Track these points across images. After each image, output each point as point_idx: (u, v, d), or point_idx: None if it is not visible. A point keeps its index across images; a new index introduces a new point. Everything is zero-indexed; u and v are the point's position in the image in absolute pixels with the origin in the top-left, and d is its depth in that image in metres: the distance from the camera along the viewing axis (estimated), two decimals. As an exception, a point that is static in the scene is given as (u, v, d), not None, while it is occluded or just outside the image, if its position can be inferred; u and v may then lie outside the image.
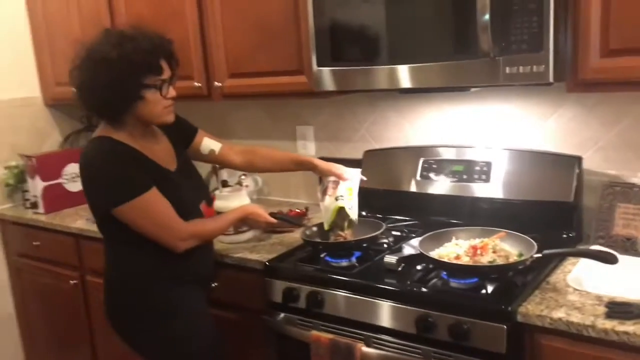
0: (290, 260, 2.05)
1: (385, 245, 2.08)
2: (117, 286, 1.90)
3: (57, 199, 2.96)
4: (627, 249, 1.87)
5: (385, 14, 1.91)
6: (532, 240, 1.76)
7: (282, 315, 1.98)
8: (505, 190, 2.10)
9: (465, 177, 2.18)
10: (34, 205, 2.99)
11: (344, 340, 1.79)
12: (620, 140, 1.99)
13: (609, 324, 1.44)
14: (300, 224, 2.18)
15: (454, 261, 1.71)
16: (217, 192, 2.32)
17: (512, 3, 1.67)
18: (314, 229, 2.12)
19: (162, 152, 1.91)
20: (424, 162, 2.29)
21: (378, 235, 2.02)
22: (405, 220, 2.29)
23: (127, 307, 1.90)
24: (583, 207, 2.04)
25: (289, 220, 2.22)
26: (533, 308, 1.56)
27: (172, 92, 1.82)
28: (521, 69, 1.71)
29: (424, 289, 1.73)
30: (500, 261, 1.70)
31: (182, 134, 2.06)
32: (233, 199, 2.27)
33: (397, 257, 1.87)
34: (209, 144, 2.11)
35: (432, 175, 2.26)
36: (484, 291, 1.66)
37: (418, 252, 1.79)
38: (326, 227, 2.05)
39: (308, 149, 2.73)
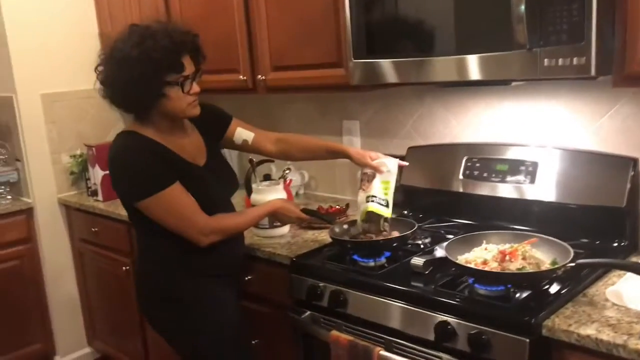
0: (318, 258, 2.00)
1: (420, 246, 2.00)
2: (144, 275, 1.94)
3: (115, 187, 3.07)
4: (683, 262, 1.68)
5: (421, 6, 1.83)
6: (568, 246, 1.62)
7: (307, 313, 1.95)
8: (552, 193, 1.95)
9: (509, 177, 2.05)
10: (94, 193, 3.12)
11: (363, 342, 1.73)
12: (683, 141, 1.80)
13: (642, 345, 1.30)
14: (332, 222, 2.13)
15: (480, 267, 1.60)
16: (254, 186, 2.32)
17: (551, -11, 1.54)
18: (345, 226, 2.06)
19: (190, 146, 1.92)
20: (467, 161, 2.17)
21: (408, 235, 1.94)
22: (446, 221, 2.18)
23: (153, 295, 1.93)
24: (638, 214, 1.86)
25: (321, 217, 2.17)
26: (561, 322, 1.44)
27: (195, 88, 1.82)
28: (560, 61, 1.57)
29: (445, 295, 1.63)
30: (530, 269, 1.57)
31: (216, 124, 2.07)
32: (269, 193, 2.26)
33: (424, 260, 1.78)
34: (241, 133, 2.10)
35: (475, 174, 2.14)
36: (510, 300, 1.54)
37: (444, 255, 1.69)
38: (358, 225, 1.99)
39: (354, 144, 2.67)
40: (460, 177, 2.17)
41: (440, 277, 1.72)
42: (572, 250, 1.60)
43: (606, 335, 1.36)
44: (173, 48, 1.72)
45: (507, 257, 1.60)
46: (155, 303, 1.94)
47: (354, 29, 2.02)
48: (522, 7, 1.56)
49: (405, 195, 2.37)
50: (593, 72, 1.52)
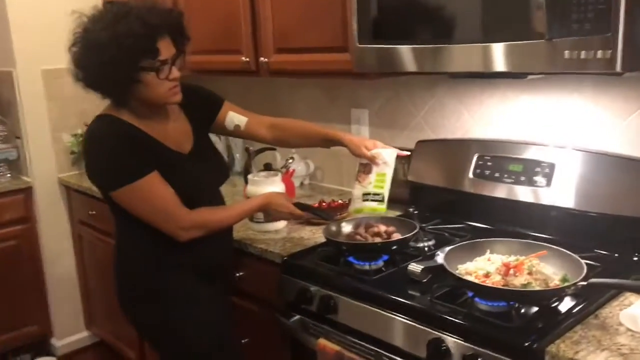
0: (311, 258, 1.86)
1: (423, 250, 1.85)
2: (122, 270, 1.83)
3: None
4: None
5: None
6: (581, 261, 1.46)
7: (296, 317, 1.81)
8: (570, 198, 1.77)
9: (523, 178, 1.87)
10: (93, 175, 3.02)
11: (350, 354, 1.60)
12: None
13: (656, 382, 1.14)
14: (330, 219, 1.98)
15: (480, 280, 1.44)
16: (249, 176, 2.18)
17: (575, -28, 1.36)
18: (343, 224, 1.92)
19: (174, 132, 1.79)
20: (478, 158, 2.00)
21: (409, 238, 1.78)
22: (452, 222, 2.02)
23: (129, 289, 1.83)
24: (664, 226, 1.68)
25: (317, 213, 2.02)
26: (567, 348, 1.28)
27: (174, 73, 1.67)
28: (583, 54, 1.39)
29: (441, 308, 1.48)
30: (536, 285, 1.41)
31: (205, 108, 1.94)
32: (265, 185, 2.12)
33: (422, 267, 1.63)
34: (233, 118, 1.96)
35: (486, 173, 1.97)
36: (512, 319, 1.39)
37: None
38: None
39: (362, 135, 2.51)
40: (471, 175, 2.00)
41: (438, 287, 1.56)
42: (585, 267, 1.43)
43: (617, 367, 1.20)
44: (147, 32, 1.57)
45: (512, 271, 1.44)
46: (134, 300, 1.83)
47: (359, 11, 1.85)
48: (542, -9, 1.38)
49: (412, 192, 2.22)
50: (619, 67, 1.34)
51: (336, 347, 1.63)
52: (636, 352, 1.25)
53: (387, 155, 1.84)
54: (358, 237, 1.81)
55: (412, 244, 1.86)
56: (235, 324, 2.10)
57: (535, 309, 1.43)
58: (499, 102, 2.04)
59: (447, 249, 1.63)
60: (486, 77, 1.92)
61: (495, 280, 1.44)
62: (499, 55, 1.54)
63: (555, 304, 1.46)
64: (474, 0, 1.58)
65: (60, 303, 3.33)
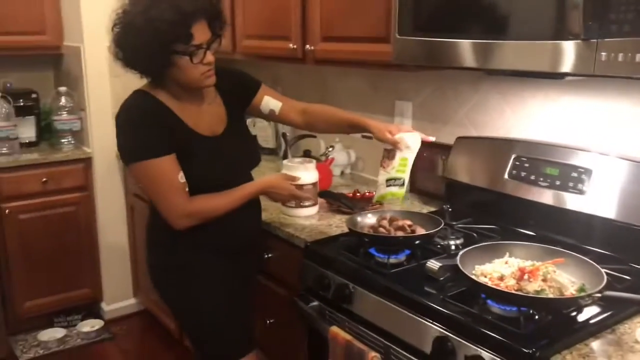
0: (334, 246, 1.87)
1: (449, 247, 1.82)
2: (150, 242, 1.91)
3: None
4: None
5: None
6: (602, 272, 1.40)
7: (315, 302, 1.83)
8: (606, 208, 1.69)
9: (558, 183, 1.81)
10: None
11: (359, 345, 1.60)
12: None
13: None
14: (356, 209, 1.98)
15: (494, 282, 1.41)
16: (284, 162, 2.21)
17: (615, -30, 1.29)
18: (369, 216, 1.91)
19: (208, 114, 1.83)
20: (515, 159, 1.94)
21: (432, 234, 1.76)
22: (484, 222, 1.97)
23: (155, 260, 1.92)
24: None
25: (344, 203, 2.03)
26: (572, 360, 1.24)
27: (208, 58, 1.69)
28: (621, 56, 1.32)
29: (451, 307, 1.46)
30: (549, 293, 1.37)
31: (242, 92, 1.97)
32: (299, 171, 2.14)
33: (440, 264, 1.61)
34: (269, 102, 1.99)
35: (522, 175, 1.91)
36: (520, 326, 1.35)
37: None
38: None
39: (405, 127, 2.49)
40: (506, 176, 1.95)
41: (453, 287, 1.54)
42: (605, 278, 1.37)
43: (620, 386, 1.15)
44: (179, 18, 1.60)
45: (526, 276, 1.40)
46: (157, 270, 1.91)
47: (401, 2, 1.84)
48: (579, -12, 1.33)
49: (447, 189, 2.19)
50: (656, 72, 1.27)
51: (347, 337, 1.64)
52: (645, 372, 1.20)
53: (410, 139, 1.82)
54: (381, 229, 1.80)
55: (439, 241, 1.84)
56: (260, 304, 2.16)
57: (548, 317, 1.38)
58: (542, 102, 1.97)
59: (467, 248, 1.60)
60: (521, 75, 1.86)
61: (509, 284, 1.41)
62: (533, 53, 1.49)
63: (573, 313, 1.41)
64: (511, -5, 1.54)
65: (111, 270, 3.50)
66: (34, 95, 3.42)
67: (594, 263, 1.45)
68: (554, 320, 1.38)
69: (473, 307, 1.45)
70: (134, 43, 1.62)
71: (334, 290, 1.74)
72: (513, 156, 1.95)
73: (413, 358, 1.50)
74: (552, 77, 1.70)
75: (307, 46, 2.35)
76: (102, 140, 3.31)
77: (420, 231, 1.80)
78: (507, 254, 1.54)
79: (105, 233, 3.43)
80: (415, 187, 2.42)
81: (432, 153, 2.31)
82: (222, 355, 1.92)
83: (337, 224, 2.08)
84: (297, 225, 2.08)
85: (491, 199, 2.01)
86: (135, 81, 1.81)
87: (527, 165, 1.91)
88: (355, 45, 2.15)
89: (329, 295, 1.77)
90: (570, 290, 1.38)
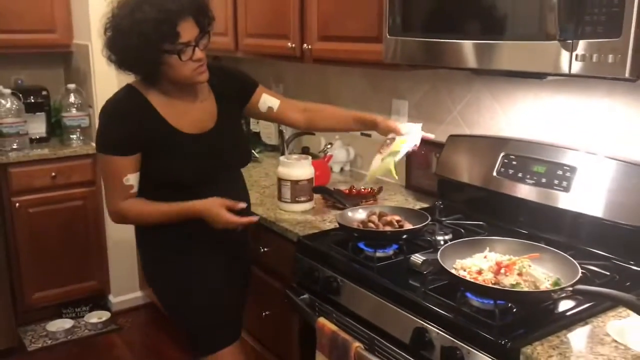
0: (325, 240, 1.93)
1: (437, 242, 1.87)
2: (142, 230, 1.97)
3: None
4: None
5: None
6: (577, 266, 1.44)
7: (305, 295, 1.89)
8: (590, 205, 1.73)
9: (544, 180, 1.85)
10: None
11: (344, 335, 1.66)
12: None
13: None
14: (348, 205, 2.04)
15: (472, 276, 1.46)
16: (281, 158, 2.26)
17: (589, -27, 1.33)
18: (359, 211, 1.96)
19: (197, 111, 1.87)
20: (504, 157, 1.98)
21: (418, 229, 1.81)
22: (472, 218, 2.02)
23: (144, 249, 1.99)
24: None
25: (337, 198, 2.09)
26: (543, 351, 1.28)
27: (197, 54, 1.72)
28: (595, 57, 1.37)
29: (430, 300, 1.51)
30: (524, 286, 1.41)
31: (239, 90, 2.00)
32: (295, 167, 2.20)
33: (424, 259, 1.66)
34: (266, 100, 2.02)
35: (510, 172, 1.95)
36: (495, 318, 1.39)
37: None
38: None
39: (401, 126, 2.54)
40: (494, 174, 1.99)
41: (435, 280, 1.59)
42: (580, 272, 1.42)
43: (587, 376, 1.20)
44: (165, 17, 1.63)
45: (503, 270, 1.44)
46: (145, 260, 1.99)
47: (391, 4, 1.88)
48: (555, -9, 1.37)
49: (439, 186, 2.23)
50: (627, 73, 1.31)
51: (333, 327, 1.70)
52: (613, 363, 1.24)
53: (412, 128, 1.86)
54: (370, 224, 1.85)
55: (428, 236, 1.89)
56: (256, 296, 2.22)
57: (524, 310, 1.43)
58: (532, 102, 2.01)
59: (449, 243, 1.65)
60: (506, 75, 1.90)
61: (487, 278, 1.45)
62: (511, 53, 1.54)
63: (550, 307, 1.45)
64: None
65: (118, 263, 3.58)
66: (44, 92, 3.51)
67: (571, 258, 1.49)
68: (529, 313, 1.42)
69: (453, 300, 1.50)
70: (123, 45, 1.67)
71: (322, 283, 1.80)
72: (502, 154, 1.99)
73: (394, 349, 1.56)
74: (534, 76, 1.74)
75: (305, 45, 2.41)
76: (110, 136, 3.38)
77: (408, 226, 1.85)
78: (487, 248, 1.59)
79: (112, 227, 3.51)
80: (411, 184, 2.46)
81: (427, 151, 2.35)
82: (207, 343, 1.96)
83: (330, 219, 2.14)
84: (292, 220, 2.14)
85: (481, 195, 2.05)
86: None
87: (515, 163, 1.95)
88: (351, 44, 2.20)
89: (318, 288, 1.83)
90: (545, 284, 1.42)
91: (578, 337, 1.35)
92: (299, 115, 2.07)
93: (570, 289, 1.36)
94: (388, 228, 1.83)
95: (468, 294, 1.48)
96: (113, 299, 3.62)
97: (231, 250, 1.99)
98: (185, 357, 2.92)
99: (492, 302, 1.43)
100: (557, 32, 1.39)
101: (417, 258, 1.67)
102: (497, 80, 2.10)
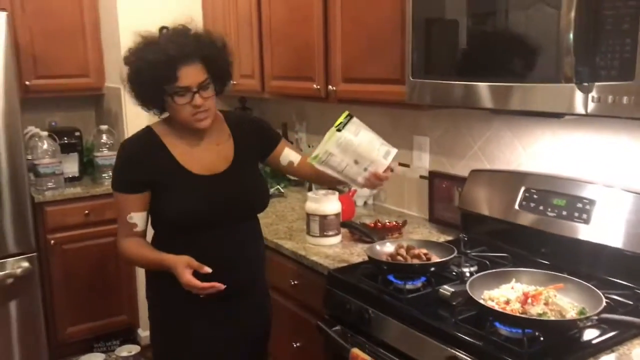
0: (354, 273, 2.01)
1: (464, 274, 1.95)
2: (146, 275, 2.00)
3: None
4: None
5: (472, 31, 1.80)
6: (602, 296, 1.51)
7: (337, 327, 1.97)
8: (610, 237, 1.80)
9: (565, 213, 1.93)
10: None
11: (378, 365, 1.73)
12: None
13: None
14: (376, 239, 2.13)
15: (500, 306, 1.54)
16: (309, 194, 2.37)
17: (602, 21, 1.44)
18: (387, 245, 2.05)
19: (210, 152, 1.88)
20: (525, 191, 2.07)
21: (445, 262, 1.89)
22: (497, 250, 2.09)
23: (147, 296, 2.01)
24: None
25: (364, 232, 2.17)
26: (570, 377, 1.35)
27: (197, 100, 1.74)
28: (609, 99, 1.46)
29: (461, 329, 1.58)
30: (551, 315, 1.49)
31: (264, 142, 2.04)
32: (323, 203, 2.30)
33: (453, 290, 1.74)
34: (288, 155, 2.07)
35: (532, 205, 2.03)
36: (524, 346, 1.46)
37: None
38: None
39: (423, 161, 2.64)
40: (516, 207, 2.07)
41: (464, 310, 1.67)
42: (604, 301, 1.49)
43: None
44: (166, 60, 1.70)
45: (530, 300, 1.52)
46: (148, 299, 2.00)
47: (414, 48, 2.00)
48: (570, 36, 1.47)
49: (462, 219, 2.31)
50: (641, 113, 1.41)
51: (366, 358, 1.77)
52: (637, 389, 1.30)
53: (381, 148, 1.89)
54: (399, 257, 1.94)
55: (454, 268, 1.97)
56: (287, 328, 2.30)
57: (552, 339, 1.50)
58: (550, 138, 2.10)
59: (476, 275, 1.73)
60: (524, 114, 2.00)
61: (514, 308, 1.53)
62: (529, 95, 1.63)
63: (576, 335, 1.52)
64: (511, 43, 1.69)
65: (147, 297, 3.67)
66: (77, 133, 3.66)
67: (595, 288, 1.56)
68: (556, 342, 1.49)
69: (482, 329, 1.57)
70: (133, 82, 1.79)
71: (354, 314, 1.88)
72: (523, 188, 2.08)
73: (427, 377, 1.63)
74: (552, 116, 1.83)
75: (330, 87, 2.53)
76: (140, 174, 3.51)
77: (436, 259, 1.93)
78: (514, 279, 1.66)
79: (142, 262, 3.62)
80: (434, 217, 2.55)
81: (449, 185, 2.45)
82: None
83: (358, 253, 2.22)
84: (321, 253, 2.23)
85: (503, 228, 2.13)
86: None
87: (536, 196, 2.03)
88: (374, 86, 2.32)
89: (350, 319, 1.90)
90: (571, 313, 1.49)
91: (604, 364, 1.41)
92: (310, 168, 1.94)
93: (596, 317, 1.43)
94: (416, 261, 1.91)
95: (497, 324, 1.55)
96: (142, 332, 3.70)
97: (240, 326, 1.95)
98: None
99: (520, 331, 1.50)
100: (573, 76, 1.49)
101: (446, 290, 1.75)
102: (516, 118, 2.19)
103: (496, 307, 1.53)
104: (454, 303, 1.72)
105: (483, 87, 1.77)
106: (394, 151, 1.88)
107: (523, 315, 1.49)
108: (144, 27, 3.42)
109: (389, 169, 1.88)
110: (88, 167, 3.72)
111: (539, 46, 1.62)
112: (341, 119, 1.89)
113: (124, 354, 3.54)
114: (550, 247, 1.97)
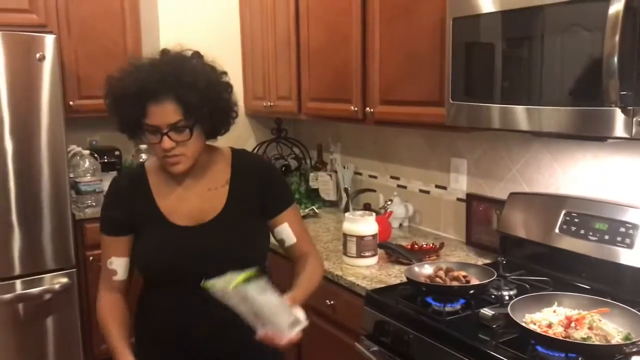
0: (392, 294, 2.01)
1: (503, 297, 1.93)
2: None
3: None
4: None
5: (509, 54, 1.83)
6: (646, 322, 1.49)
7: (375, 347, 1.97)
8: (655, 261, 1.78)
9: (607, 237, 1.91)
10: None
11: (417, 387, 1.72)
12: None
13: None
14: (412, 260, 2.13)
15: (542, 329, 1.52)
16: (347, 215, 2.38)
17: (647, 45, 1.44)
18: (426, 266, 2.05)
19: (196, 197, 1.64)
20: (565, 214, 2.05)
21: (485, 284, 1.88)
22: (537, 274, 2.07)
23: None
24: None
25: (403, 253, 2.18)
26: (617, 404, 1.33)
27: (165, 144, 1.50)
28: (654, 123, 1.46)
29: (502, 352, 1.57)
30: (595, 340, 1.47)
31: (263, 201, 1.70)
32: (361, 224, 2.31)
33: (493, 313, 1.73)
34: (284, 231, 1.72)
35: (572, 229, 2.02)
36: (568, 370, 1.45)
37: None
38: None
39: (460, 183, 2.64)
40: (557, 230, 2.06)
41: (505, 333, 1.66)
42: (648, 327, 1.47)
43: None
44: (137, 93, 1.50)
45: (573, 324, 1.50)
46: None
47: (454, 71, 2.02)
48: (615, 60, 1.47)
49: (501, 242, 2.30)
50: (687, 138, 1.40)
51: (405, 379, 1.77)
52: (688, 417, 1.27)
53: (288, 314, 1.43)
54: (438, 279, 1.94)
55: (493, 291, 1.95)
56: (323, 349, 2.30)
57: (596, 364, 1.48)
58: (590, 162, 2.09)
59: (518, 298, 1.72)
60: (565, 137, 1.99)
61: (557, 332, 1.51)
62: (576, 119, 1.63)
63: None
64: (553, 67, 1.70)
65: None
66: (117, 152, 3.75)
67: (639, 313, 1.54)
68: (599, 367, 1.47)
69: (524, 352, 1.56)
70: (109, 108, 1.60)
71: (393, 336, 1.88)
72: (563, 211, 2.06)
73: (467, 400, 1.61)
74: (594, 139, 1.83)
75: (367, 108, 2.56)
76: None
77: (475, 282, 1.92)
78: (556, 303, 1.65)
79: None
80: (471, 240, 2.54)
81: (486, 207, 2.44)
82: None
83: (395, 274, 2.22)
84: (358, 274, 2.24)
85: (543, 252, 2.11)
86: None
87: (577, 220, 2.01)
88: (412, 108, 2.34)
89: (388, 341, 1.90)
90: (616, 339, 1.47)
91: (651, 391, 1.39)
92: (298, 257, 1.75)
93: (641, 343, 1.41)
94: (455, 283, 1.91)
95: (538, 347, 1.54)
96: None
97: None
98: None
99: (563, 354, 1.49)
100: (618, 99, 1.49)
101: (487, 312, 1.74)
102: (554, 141, 2.19)
103: (538, 331, 1.52)
104: (494, 326, 1.71)
105: (524, 110, 1.78)
106: (303, 323, 1.45)
107: (566, 339, 1.48)
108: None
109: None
110: (126, 186, 3.79)
111: (578, 69, 1.63)
112: (245, 276, 1.42)
113: (158, 371, 3.57)
114: (591, 271, 1.95)
